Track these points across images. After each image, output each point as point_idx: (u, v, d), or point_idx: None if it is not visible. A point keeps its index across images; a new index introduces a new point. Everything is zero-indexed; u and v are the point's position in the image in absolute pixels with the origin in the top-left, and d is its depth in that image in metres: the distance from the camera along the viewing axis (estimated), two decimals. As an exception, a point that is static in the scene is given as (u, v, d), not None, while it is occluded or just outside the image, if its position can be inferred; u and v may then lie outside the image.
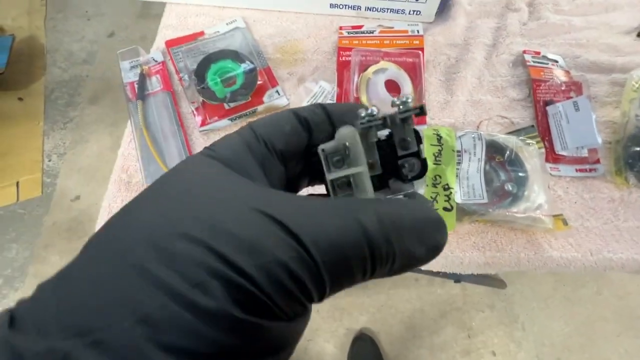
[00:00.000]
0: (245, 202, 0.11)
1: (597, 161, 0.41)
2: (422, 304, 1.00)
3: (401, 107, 0.13)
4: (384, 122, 0.14)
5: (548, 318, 0.97)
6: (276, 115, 0.15)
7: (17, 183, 1.18)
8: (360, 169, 0.13)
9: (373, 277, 0.11)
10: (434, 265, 0.38)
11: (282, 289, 0.10)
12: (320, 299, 0.11)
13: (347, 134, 0.13)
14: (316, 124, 0.15)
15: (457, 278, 0.92)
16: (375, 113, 0.13)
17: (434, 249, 0.12)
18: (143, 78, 0.47)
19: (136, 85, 0.46)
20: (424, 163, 0.14)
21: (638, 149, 0.38)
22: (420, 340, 0.96)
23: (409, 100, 0.13)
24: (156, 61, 0.49)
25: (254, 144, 0.14)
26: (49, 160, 1.23)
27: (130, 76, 0.47)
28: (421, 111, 0.13)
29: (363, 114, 0.13)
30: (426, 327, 0.97)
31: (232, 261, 0.09)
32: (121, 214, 0.11)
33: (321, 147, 0.14)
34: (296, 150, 0.15)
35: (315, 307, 0.93)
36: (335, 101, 0.45)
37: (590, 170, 0.40)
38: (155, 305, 0.09)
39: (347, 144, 0.13)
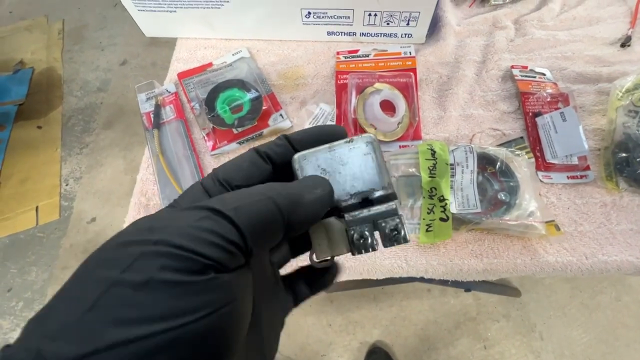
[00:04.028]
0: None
1: (587, 168, 0.42)
2: (436, 315, 0.99)
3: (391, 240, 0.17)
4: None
5: (566, 326, 0.95)
6: (239, 156, 0.17)
7: (37, 207, 1.23)
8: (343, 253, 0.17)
9: (291, 229, 0.14)
10: (436, 273, 0.40)
11: (206, 243, 0.12)
12: (247, 250, 0.13)
13: (339, 240, 0.17)
14: (277, 154, 0.17)
15: (467, 287, 0.91)
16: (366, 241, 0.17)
17: (321, 195, 0.16)
18: (158, 108, 0.51)
19: (152, 115, 0.50)
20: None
21: (626, 154, 0.40)
22: (435, 352, 0.94)
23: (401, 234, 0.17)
24: (169, 92, 0.53)
25: (211, 188, 0.16)
26: (66, 185, 1.29)
27: (147, 107, 0.51)
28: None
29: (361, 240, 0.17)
30: (441, 338, 0.96)
31: (164, 240, 0.11)
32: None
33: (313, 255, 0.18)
34: (259, 181, 0.16)
35: (327, 322, 0.92)
36: (334, 121, 0.48)
37: (581, 176, 0.42)
38: (100, 292, 0.11)
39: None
